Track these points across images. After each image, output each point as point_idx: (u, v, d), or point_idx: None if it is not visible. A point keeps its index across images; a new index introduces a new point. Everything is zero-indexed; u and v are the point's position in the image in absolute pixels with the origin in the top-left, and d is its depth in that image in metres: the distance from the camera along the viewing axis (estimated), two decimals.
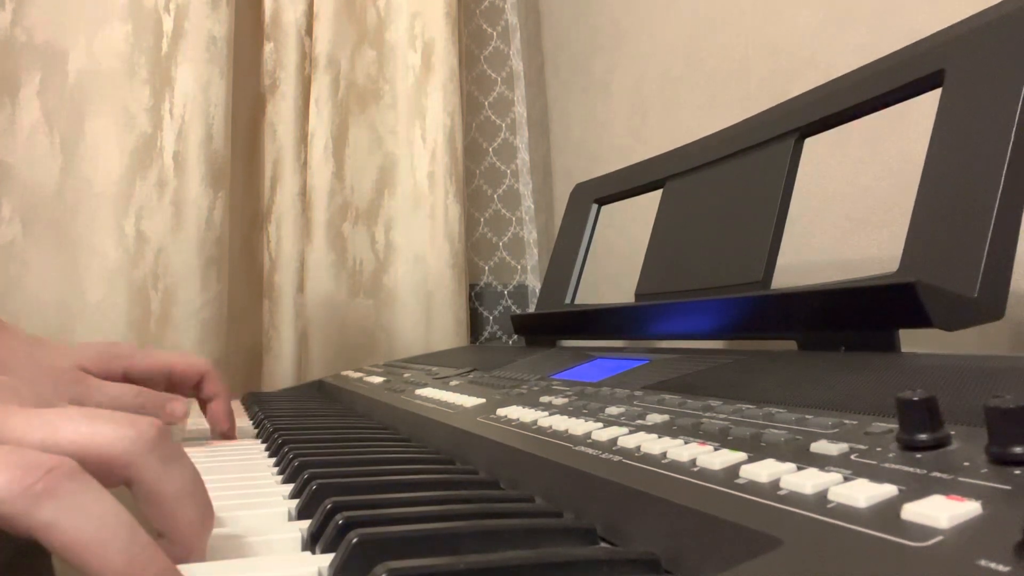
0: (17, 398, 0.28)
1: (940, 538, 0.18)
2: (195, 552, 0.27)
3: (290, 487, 0.38)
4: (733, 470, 0.26)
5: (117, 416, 0.27)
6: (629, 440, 0.32)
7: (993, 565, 0.16)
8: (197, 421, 0.65)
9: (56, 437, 0.25)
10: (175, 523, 0.26)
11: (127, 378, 0.59)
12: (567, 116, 1.31)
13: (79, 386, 0.54)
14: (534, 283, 1.33)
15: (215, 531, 0.30)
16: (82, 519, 0.22)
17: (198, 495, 0.27)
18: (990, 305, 0.39)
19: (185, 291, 1.00)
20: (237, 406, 0.88)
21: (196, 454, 0.52)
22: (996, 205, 0.40)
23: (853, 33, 0.71)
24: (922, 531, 0.18)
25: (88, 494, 0.23)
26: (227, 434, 0.61)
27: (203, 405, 0.63)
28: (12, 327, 0.59)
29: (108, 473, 0.25)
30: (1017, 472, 0.21)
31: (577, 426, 0.37)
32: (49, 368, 0.54)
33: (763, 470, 0.25)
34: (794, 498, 0.23)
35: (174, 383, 0.61)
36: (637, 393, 0.43)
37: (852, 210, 0.71)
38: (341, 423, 0.62)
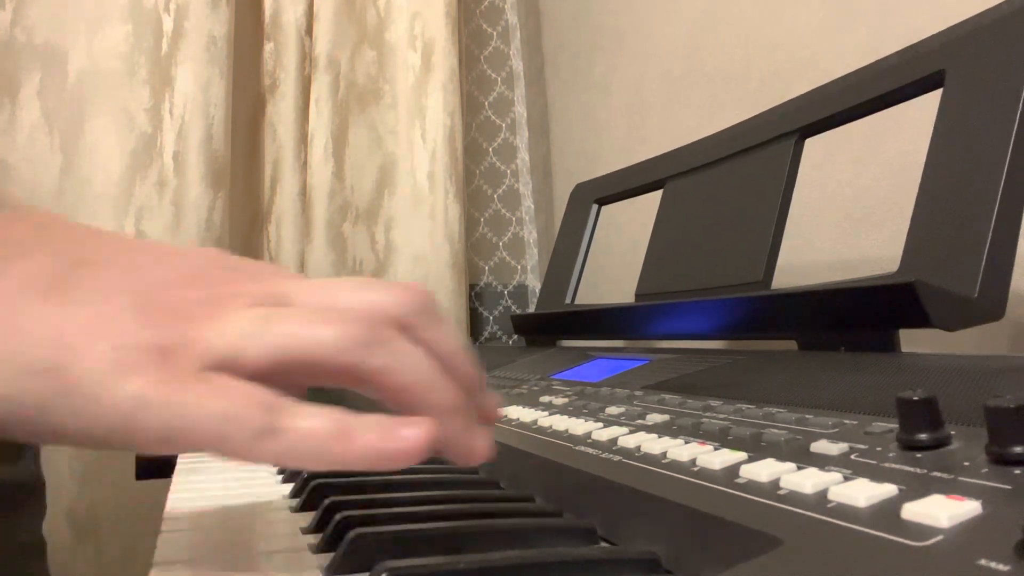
0: (281, 274, 0.28)
1: (940, 538, 0.18)
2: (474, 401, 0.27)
3: (290, 487, 0.38)
4: (733, 470, 0.26)
5: (384, 283, 0.27)
6: (629, 440, 0.32)
7: (993, 565, 0.16)
8: None
9: (337, 302, 0.26)
10: (461, 373, 0.27)
11: None
12: (567, 116, 1.31)
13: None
14: (534, 283, 1.33)
15: (214, 531, 0.30)
16: (412, 363, 0.24)
17: (438, 379, 0.27)
18: (990, 305, 0.39)
19: None
20: None
21: (194, 452, 0.52)
22: (996, 205, 0.40)
23: (853, 33, 0.71)
24: (922, 531, 0.18)
25: (407, 343, 0.25)
26: None
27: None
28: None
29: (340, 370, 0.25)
30: (1017, 472, 0.21)
31: (577, 426, 0.37)
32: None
33: (763, 470, 0.25)
34: (794, 498, 0.23)
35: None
36: (637, 393, 0.43)
37: (852, 210, 0.71)
38: None
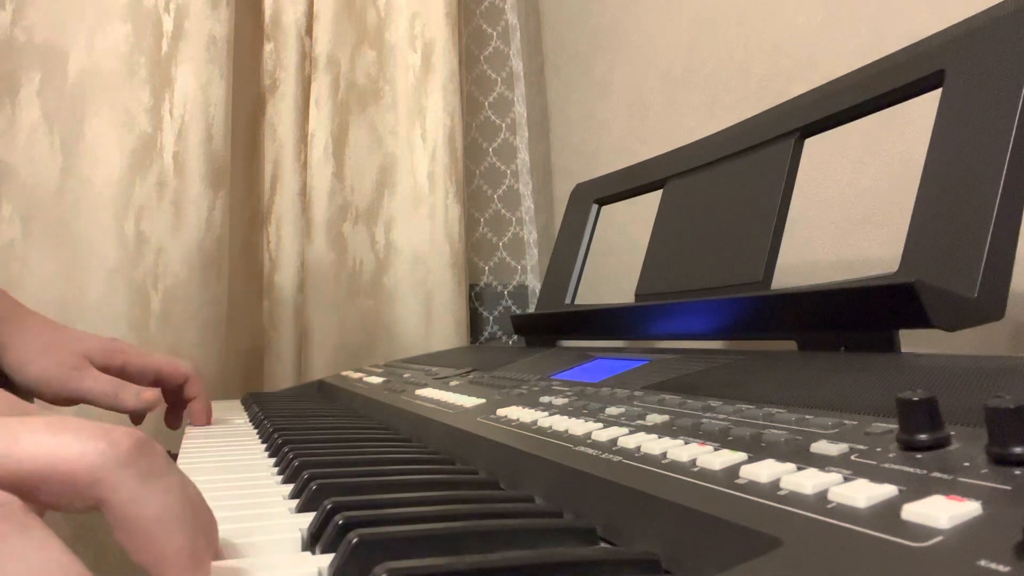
0: None
1: (940, 538, 0.18)
2: None
3: (290, 487, 0.38)
4: (733, 470, 0.26)
5: (88, 425, 0.22)
6: (629, 440, 0.32)
7: (993, 565, 0.16)
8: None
9: (13, 450, 0.21)
10: (155, 554, 0.22)
11: (123, 371, 0.66)
12: (567, 116, 1.31)
13: (80, 371, 0.63)
14: (534, 283, 1.33)
15: None
16: (19, 573, 0.18)
17: (189, 519, 0.23)
18: (990, 305, 0.39)
19: (185, 291, 1.00)
20: (237, 406, 0.88)
21: (195, 452, 0.52)
22: (996, 205, 0.40)
23: (853, 34, 0.71)
24: (922, 531, 0.18)
25: (30, 540, 0.19)
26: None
27: (184, 404, 0.71)
28: (32, 312, 0.67)
29: (74, 494, 0.21)
30: (1017, 472, 0.21)
31: (577, 426, 0.37)
32: (59, 355, 0.63)
33: (763, 470, 0.25)
34: (794, 498, 0.23)
35: (161, 382, 0.70)
36: (637, 393, 0.43)
37: (852, 210, 0.71)
38: (341, 423, 0.62)
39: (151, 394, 0.65)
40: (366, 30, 1.23)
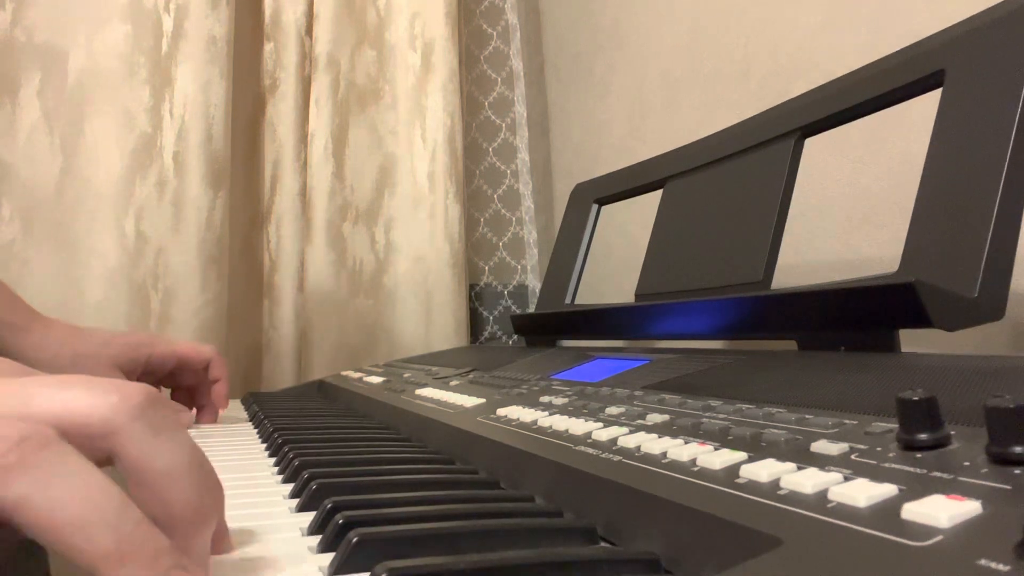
0: None
1: (940, 538, 0.18)
2: (194, 541, 0.23)
3: (290, 487, 0.38)
4: (733, 470, 0.26)
5: (100, 381, 0.23)
6: (629, 440, 0.32)
7: (993, 565, 0.16)
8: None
9: (29, 406, 0.22)
10: (166, 504, 0.22)
11: (148, 364, 0.67)
12: (567, 116, 1.31)
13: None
14: (534, 283, 1.33)
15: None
16: (61, 494, 0.19)
17: (197, 472, 0.23)
18: (990, 305, 0.39)
19: (185, 291, 1.00)
20: (237, 406, 0.88)
21: None
22: (996, 205, 0.40)
23: (853, 33, 0.71)
24: (922, 531, 0.18)
25: (67, 465, 0.20)
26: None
27: (208, 388, 0.72)
28: (48, 318, 0.66)
29: (90, 446, 0.22)
30: (1017, 472, 0.21)
31: (577, 426, 0.37)
32: (92, 369, 0.62)
33: (763, 470, 0.25)
34: (794, 498, 0.23)
35: (184, 367, 0.71)
36: (637, 393, 0.43)
37: (852, 210, 0.71)
38: (341, 423, 0.62)
39: (186, 418, 0.67)
40: (366, 30, 1.23)
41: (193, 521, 0.23)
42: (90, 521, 0.19)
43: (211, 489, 0.24)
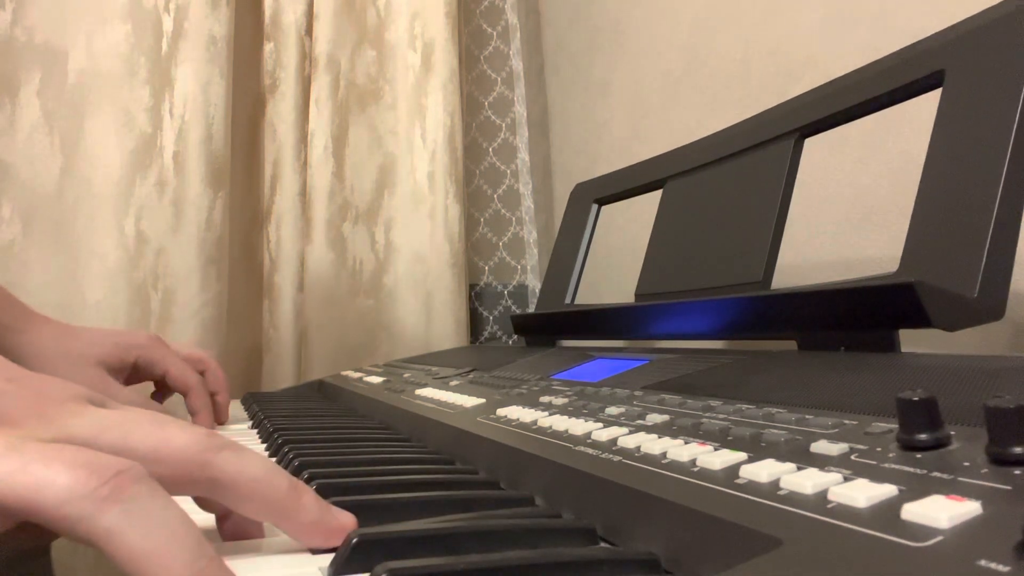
0: (87, 396, 0.28)
1: (940, 538, 0.18)
2: (298, 515, 0.27)
3: None
4: (733, 470, 0.26)
5: (182, 422, 0.27)
6: (629, 440, 0.32)
7: (993, 565, 0.16)
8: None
9: (128, 440, 0.25)
10: (274, 494, 0.26)
11: (137, 366, 0.66)
12: (567, 116, 1.31)
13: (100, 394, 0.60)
14: (534, 283, 1.33)
15: (214, 531, 0.30)
16: (149, 526, 0.21)
17: (279, 472, 0.27)
18: (990, 305, 0.39)
19: (185, 291, 1.00)
20: (237, 406, 0.88)
21: None
22: (996, 205, 0.40)
23: (853, 33, 0.71)
24: (922, 531, 0.18)
25: (156, 500, 0.22)
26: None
27: (200, 393, 0.70)
28: (42, 317, 0.65)
29: (184, 477, 0.25)
30: (1017, 472, 0.21)
31: (577, 426, 0.37)
32: (77, 367, 0.61)
33: (763, 470, 0.25)
34: (794, 498, 0.23)
35: (173, 381, 0.68)
36: (637, 393, 0.43)
37: (852, 210, 0.71)
38: (341, 423, 0.62)
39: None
40: (366, 30, 1.23)
41: (294, 499, 0.27)
42: (173, 554, 0.21)
43: (295, 484, 0.28)
